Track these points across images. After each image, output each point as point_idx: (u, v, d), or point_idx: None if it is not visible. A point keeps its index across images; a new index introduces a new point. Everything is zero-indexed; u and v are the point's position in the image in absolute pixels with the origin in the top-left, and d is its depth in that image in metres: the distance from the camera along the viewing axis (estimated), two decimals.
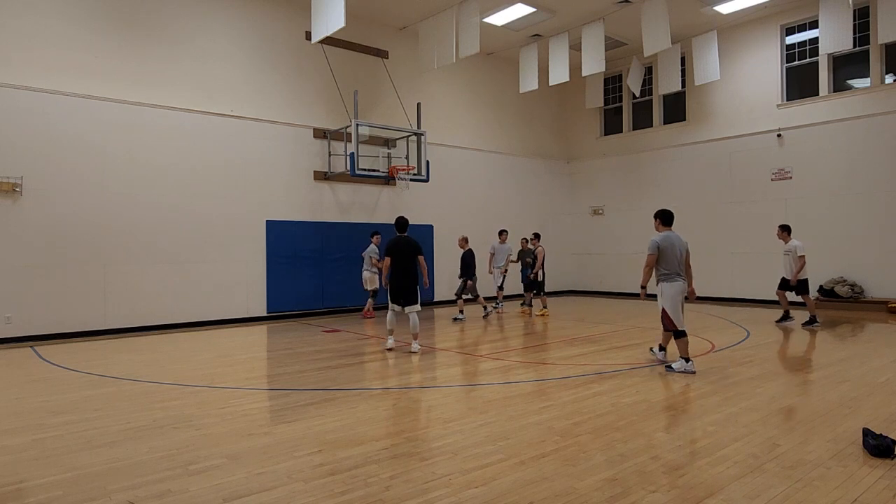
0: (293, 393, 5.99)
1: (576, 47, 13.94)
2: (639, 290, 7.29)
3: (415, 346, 8.21)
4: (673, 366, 6.80)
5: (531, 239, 13.01)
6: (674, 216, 7.19)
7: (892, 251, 12.22)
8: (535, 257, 12.44)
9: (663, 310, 6.95)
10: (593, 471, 3.80)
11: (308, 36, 11.92)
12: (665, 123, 16.20)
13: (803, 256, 10.13)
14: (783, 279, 10.49)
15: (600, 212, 17.41)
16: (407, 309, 8.29)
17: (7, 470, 3.94)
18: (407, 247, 8.30)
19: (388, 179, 13.06)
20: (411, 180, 12.76)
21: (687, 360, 6.71)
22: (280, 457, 4.12)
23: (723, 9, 13.37)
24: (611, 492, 3.47)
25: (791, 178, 13.63)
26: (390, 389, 6.12)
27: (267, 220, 12.08)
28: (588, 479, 3.65)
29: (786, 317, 10.50)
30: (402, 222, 8.52)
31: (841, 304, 12.52)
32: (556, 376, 6.62)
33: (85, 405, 5.58)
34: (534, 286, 12.61)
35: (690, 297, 7.10)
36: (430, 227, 14.49)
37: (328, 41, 11.99)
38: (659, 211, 7.12)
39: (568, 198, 18.18)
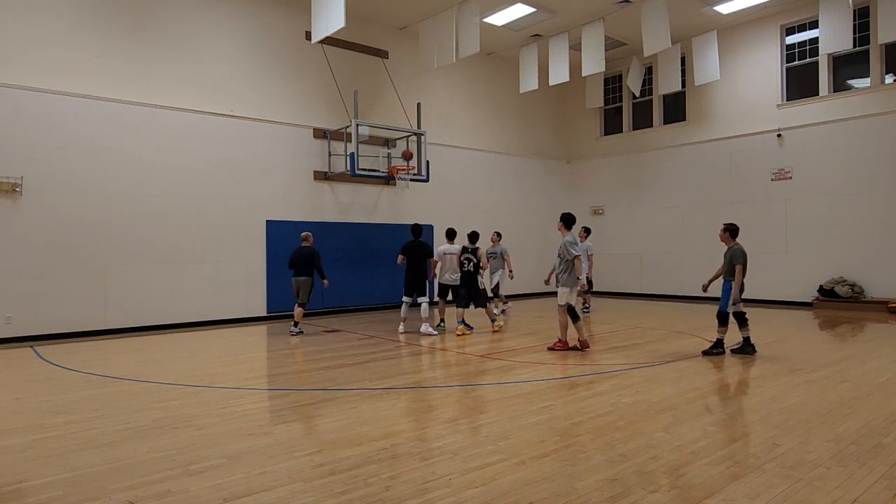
0: (293, 393, 5.99)
1: (576, 47, 13.94)
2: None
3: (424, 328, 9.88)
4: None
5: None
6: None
7: (892, 251, 12.22)
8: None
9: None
10: (593, 471, 3.80)
11: (308, 36, 11.91)
12: (665, 123, 16.20)
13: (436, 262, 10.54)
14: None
15: (600, 212, 17.42)
16: (420, 299, 10.05)
17: (7, 470, 3.94)
18: (419, 249, 10.02)
19: (388, 179, 13.05)
20: (411, 180, 12.76)
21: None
22: (280, 457, 4.12)
23: (723, 9, 13.36)
24: (611, 492, 3.47)
25: (791, 178, 13.63)
26: (390, 389, 6.12)
27: (267, 220, 12.08)
28: (588, 479, 3.65)
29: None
30: (416, 229, 10.22)
31: (841, 304, 12.52)
32: (556, 376, 6.62)
33: (85, 405, 5.58)
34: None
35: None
36: (431, 228, 14.49)
37: (328, 41, 11.98)
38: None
39: (568, 198, 18.17)
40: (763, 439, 4.39)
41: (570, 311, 8.07)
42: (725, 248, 7.95)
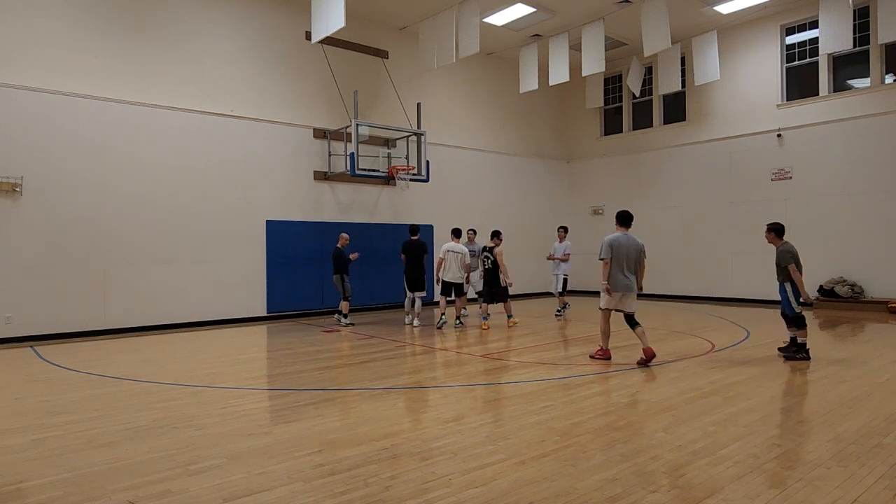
0: (293, 393, 5.99)
1: (576, 47, 13.94)
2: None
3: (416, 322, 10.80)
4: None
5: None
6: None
7: (893, 251, 12.22)
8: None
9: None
10: (593, 471, 3.80)
11: (308, 36, 11.91)
12: (665, 123, 16.19)
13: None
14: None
15: (600, 212, 17.41)
16: (416, 294, 10.83)
17: (7, 470, 3.94)
18: (417, 247, 10.74)
19: (388, 179, 13.06)
20: (411, 180, 12.76)
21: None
22: (280, 457, 4.12)
23: (723, 9, 13.36)
24: (611, 492, 3.47)
25: (791, 178, 13.63)
26: (390, 389, 6.12)
27: (267, 220, 12.07)
28: (588, 479, 3.65)
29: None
30: (413, 228, 10.95)
31: (841, 304, 12.52)
32: (556, 376, 6.62)
33: (85, 405, 5.58)
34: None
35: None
36: (431, 227, 14.49)
37: (328, 41, 11.98)
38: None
39: (568, 198, 18.17)
40: (763, 439, 4.38)
41: (628, 319, 7.33)
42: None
